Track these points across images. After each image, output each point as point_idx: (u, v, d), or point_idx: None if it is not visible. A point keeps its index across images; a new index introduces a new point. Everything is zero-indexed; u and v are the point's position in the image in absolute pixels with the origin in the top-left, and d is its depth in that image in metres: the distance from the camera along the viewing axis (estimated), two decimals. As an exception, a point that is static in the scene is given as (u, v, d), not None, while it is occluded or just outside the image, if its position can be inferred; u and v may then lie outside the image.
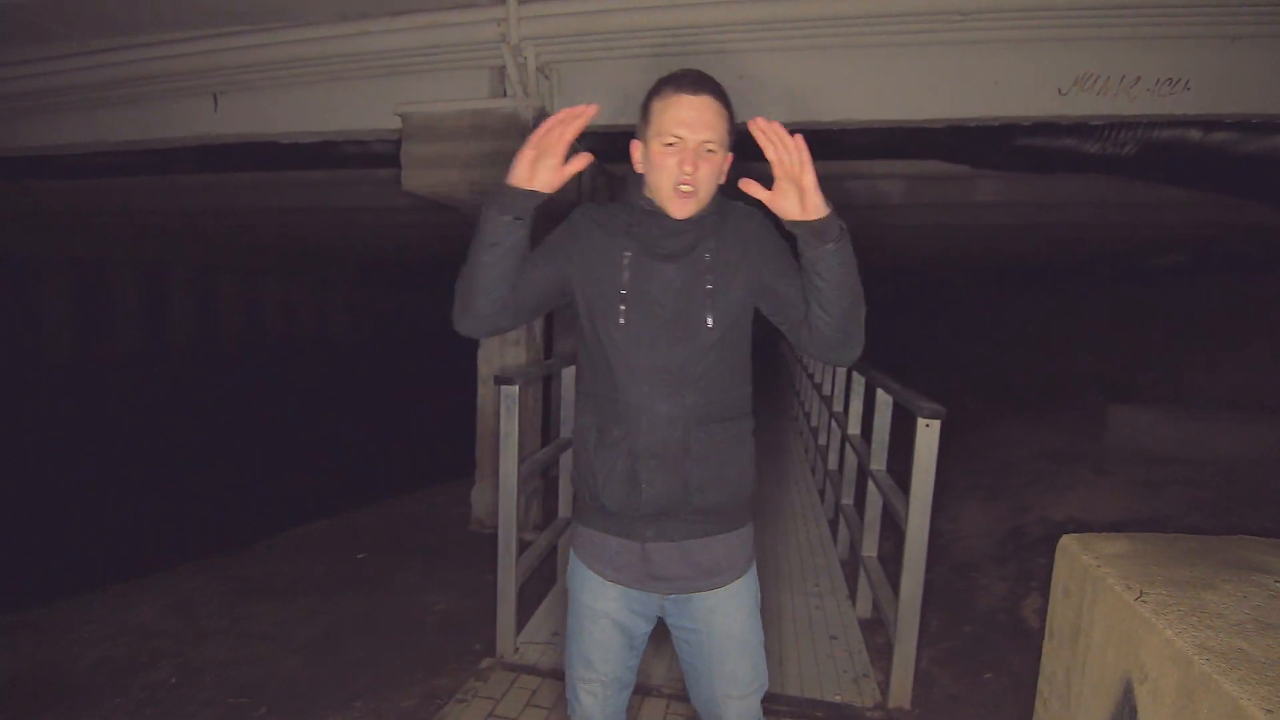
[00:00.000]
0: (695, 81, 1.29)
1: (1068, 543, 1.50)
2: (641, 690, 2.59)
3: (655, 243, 1.35)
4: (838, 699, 2.66)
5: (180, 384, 16.24)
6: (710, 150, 1.29)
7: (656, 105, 1.30)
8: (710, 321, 1.34)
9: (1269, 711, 0.90)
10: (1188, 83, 3.69)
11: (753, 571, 1.49)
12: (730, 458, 1.40)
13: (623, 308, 1.34)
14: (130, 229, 15.55)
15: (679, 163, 1.27)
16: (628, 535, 1.40)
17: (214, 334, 20.91)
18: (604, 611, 1.44)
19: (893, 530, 3.53)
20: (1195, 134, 4.08)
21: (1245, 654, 1.04)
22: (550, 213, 1.45)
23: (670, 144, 1.28)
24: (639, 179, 1.38)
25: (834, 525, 4.55)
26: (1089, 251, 12.45)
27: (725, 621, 1.43)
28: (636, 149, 1.37)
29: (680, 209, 1.31)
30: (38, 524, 6.88)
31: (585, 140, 4.85)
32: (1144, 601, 1.22)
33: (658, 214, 1.34)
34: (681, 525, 1.39)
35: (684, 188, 1.29)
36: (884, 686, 2.72)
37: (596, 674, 1.46)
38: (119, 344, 18.08)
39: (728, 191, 1.39)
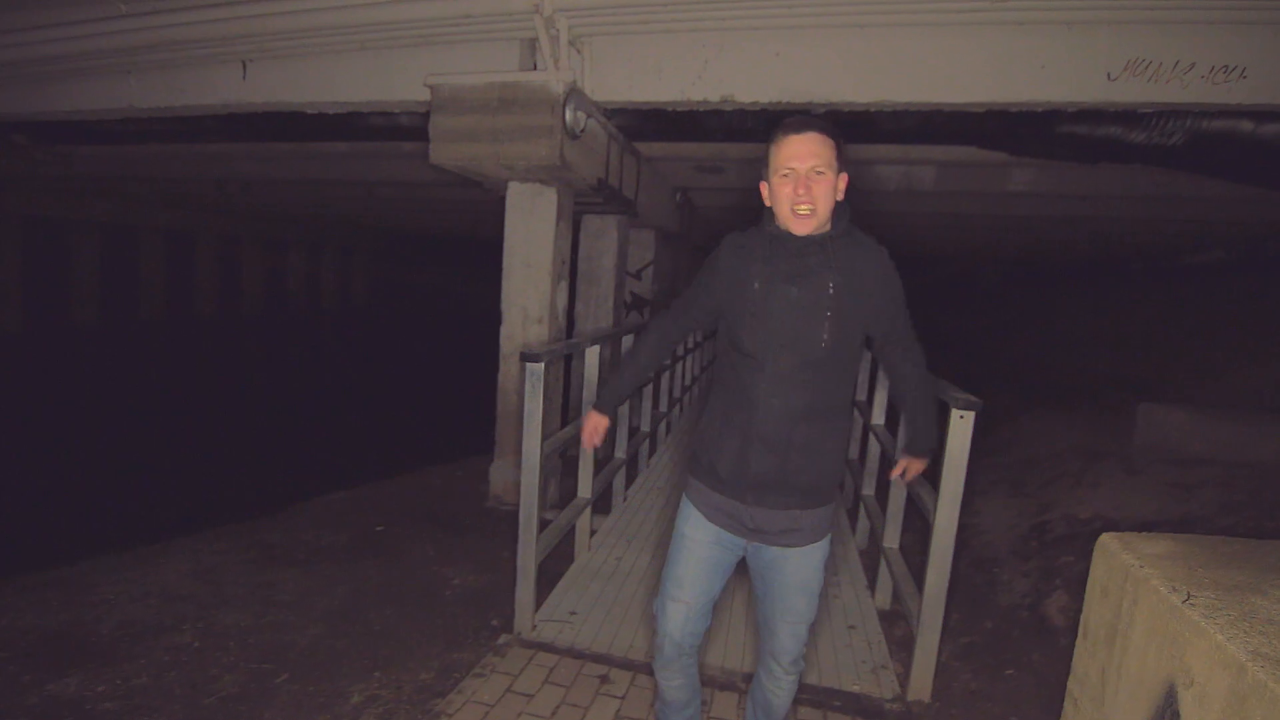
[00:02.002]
0: (801, 123, 1.58)
1: (1107, 541, 1.45)
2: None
3: (781, 266, 1.63)
4: (856, 689, 2.63)
5: (204, 351, 16.48)
6: (820, 172, 1.55)
7: (773, 149, 1.60)
8: (825, 340, 1.61)
9: (1329, 720, 0.86)
10: (1244, 71, 3.53)
11: (828, 539, 1.79)
12: (827, 448, 1.68)
13: (752, 322, 1.64)
14: (159, 197, 15.75)
15: (794, 189, 1.56)
16: (734, 497, 1.72)
17: (237, 303, 21.19)
18: (701, 541, 1.79)
19: (912, 522, 3.49)
20: (1247, 125, 3.92)
21: (1300, 662, 0.99)
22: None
23: (785, 175, 1.58)
24: (770, 212, 1.67)
25: (853, 515, 4.50)
26: (1124, 246, 12.16)
27: (797, 571, 1.75)
28: (764, 188, 1.66)
29: (800, 226, 1.59)
30: (64, 485, 7.02)
31: (617, 117, 4.82)
32: (1192, 605, 1.18)
33: (784, 235, 1.62)
34: (779, 497, 1.69)
35: (801, 209, 1.57)
36: (903, 679, 2.69)
37: (684, 593, 1.79)
38: (145, 309, 18.39)
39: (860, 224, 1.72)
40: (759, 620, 1.88)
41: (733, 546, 1.79)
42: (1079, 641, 1.52)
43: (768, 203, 1.66)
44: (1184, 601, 1.20)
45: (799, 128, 1.57)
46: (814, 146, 1.55)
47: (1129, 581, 1.35)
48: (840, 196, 1.62)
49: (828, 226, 1.62)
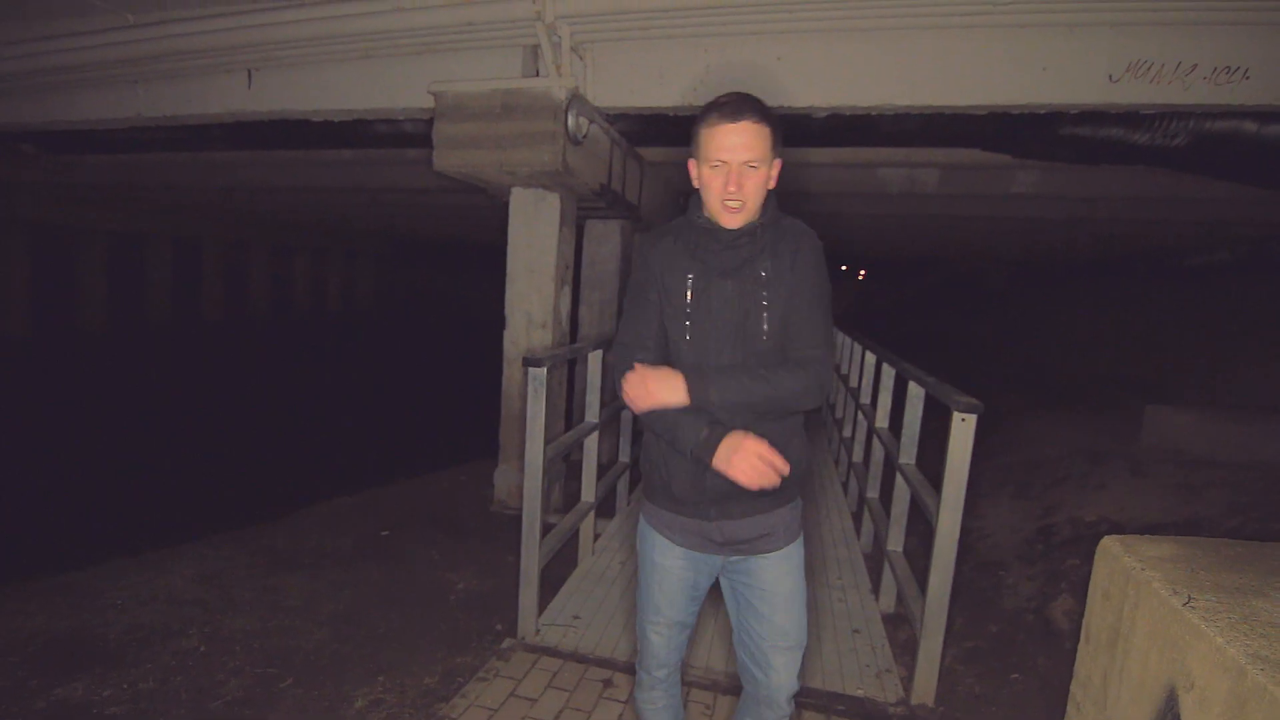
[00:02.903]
0: (735, 109, 1.44)
1: (1109, 544, 1.45)
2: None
3: (714, 260, 1.53)
4: (860, 694, 2.63)
5: (210, 356, 16.56)
6: (753, 167, 1.45)
7: (704, 132, 1.47)
8: (766, 332, 1.51)
9: (1327, 725, 0.86)
10: (1246, 71, 3.53)
11: (801, 538, 1.69)
12: (785, 447, 1.52)
13: (688, 323, 1.53)
14: (165, 205, 15.87)
15: (724, 183, 1.46)
16: (695, 515, 1.60)
17: (244, 308, 21.31)
18: (671, 568, 1.67)
19: (917, 525, 3.48)
20: (1250, 126, 3.91)
21: (1300, 665, 0.99)
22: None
23: (716, 166, 1.46)
24: (698, 196, 1.55)
25: (857, 518, 4.50)
26: (1129, 247, 12.12)
27: (778, 581, 1.63)
28: (692, 167, 1.54)
29: (730, 221, 1.50)
30: (72, 490, 7.06)
31: (620, 122, 4.84)
32: (1192, 608, 1.18)
33: (714, 229, 1.53)
34: (742, 505, 1.57)
35: (731, 203, 1.47)
36: (907, 683, 2.69)
37: (663, 617, 1.70)
38: (153, 316, 18.51)
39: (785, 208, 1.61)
40: (743, 662, 1.74)
41: (705, 564, 1.67)
42: (1081, 645, 1.52)
43: (695, 184, 1.54)
44: (1185, 604, 1.20)
45: (733, 114, 1.43)
46: (748, 138, 1.43)
47: (1130, 584, 1.35)
48: (773, 184, 1.52)
49: (756, 216, 1.52)
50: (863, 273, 37.41)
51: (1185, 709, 1.14)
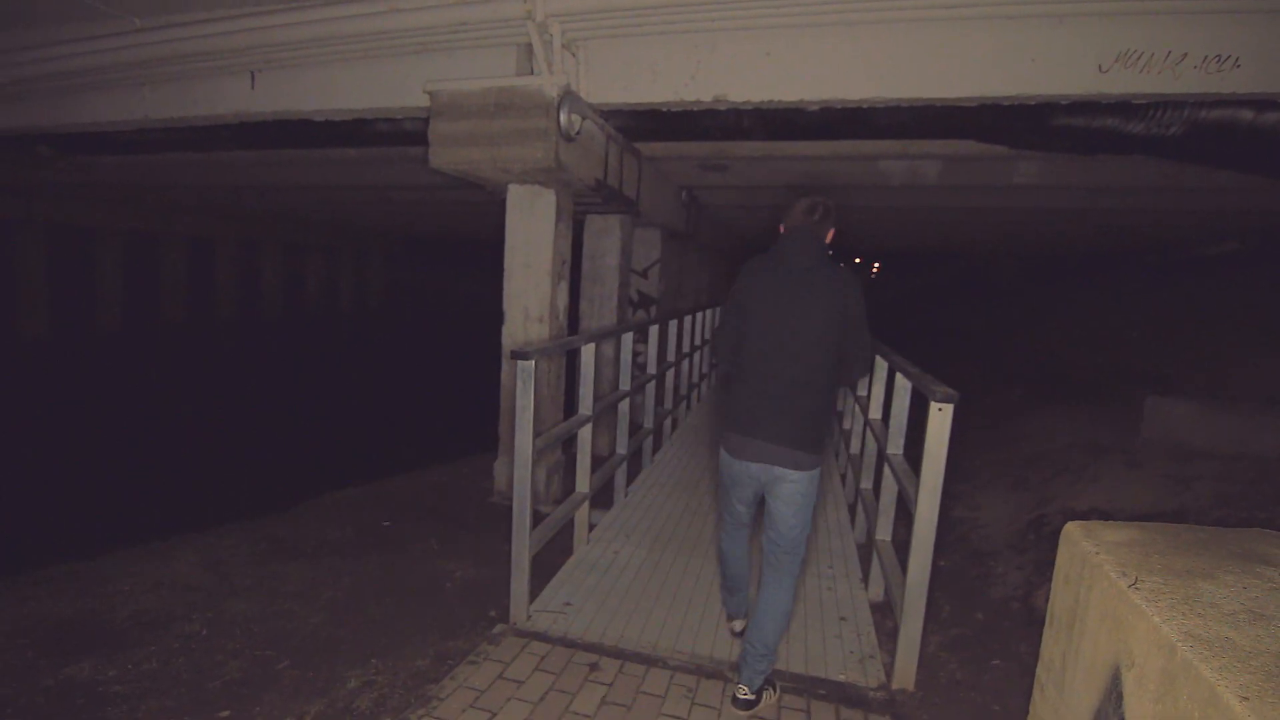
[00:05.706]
0: None
1: (1071, 530, 1.49)
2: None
3: None
4: (842, 678, 2.68)
5: (225, 354, 16.79)
6: None
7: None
8: None
9: (1245, 699, 0.90)
10: (1237, 60, 3.52)
11: None
12: None
13: None
14: (178, 204, 16.08)
15: None
16: None
17: (257, 307, 21.53)
18: None
19: (908, 515, 3.51)
20: (1247, 114, 3.89)
21: (1231, 643, 1.03)
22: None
23: None
24: (825, 246, 2.46)
25: (853, 509, 4.53)
26: (1137, 239, 12.01)
27: None
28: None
29: None
30: (87, 484, 7.23)
31: (615, 118, 4.87)
32: (1137, 589, 1.22)
33: None
34: None
35: None
36: (889, 668, 2.73)
37: None
38: (168, 315, 18.76)
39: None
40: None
41: None
42: (1045, 628, 1.56)
43: (827, 240, 2.46)
44: (1130, 586, 1.24)
45: None
46: None
47: (1086, 568, 1.39)
48: None
49: None
50: (876, 266, 37.29)
51: (1126, 686, 1.18)
